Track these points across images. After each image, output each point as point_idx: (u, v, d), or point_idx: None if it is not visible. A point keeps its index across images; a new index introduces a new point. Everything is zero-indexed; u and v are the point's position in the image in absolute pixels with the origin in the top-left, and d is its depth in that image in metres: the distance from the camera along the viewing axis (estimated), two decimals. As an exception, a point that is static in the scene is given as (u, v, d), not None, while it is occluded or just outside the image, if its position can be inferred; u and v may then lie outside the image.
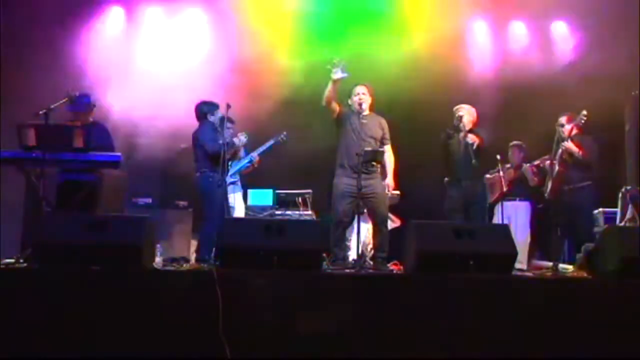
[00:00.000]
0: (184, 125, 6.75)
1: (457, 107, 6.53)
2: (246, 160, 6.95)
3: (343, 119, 5.92)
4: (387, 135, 6.05)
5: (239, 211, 6.97)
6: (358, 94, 5.96)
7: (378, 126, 6.00)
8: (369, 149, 5.77)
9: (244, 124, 6.95)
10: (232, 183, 6.96)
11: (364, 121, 5.88)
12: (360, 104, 5.94)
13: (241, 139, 6.48)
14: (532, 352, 3.84)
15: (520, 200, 7.08)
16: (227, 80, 7.26)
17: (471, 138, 6.26)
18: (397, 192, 7.02)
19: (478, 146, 6.25)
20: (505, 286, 4.05)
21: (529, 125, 7.24)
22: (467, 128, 6.36)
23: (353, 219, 5.78)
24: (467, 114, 6.44)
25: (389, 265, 5.69)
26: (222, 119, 6.10)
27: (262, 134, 7.22)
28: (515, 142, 7.28)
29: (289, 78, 7.48)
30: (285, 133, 7.18)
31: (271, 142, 7.13)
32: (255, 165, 7.00)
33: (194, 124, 6.42)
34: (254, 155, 6.97)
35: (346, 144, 5.88)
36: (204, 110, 6.35)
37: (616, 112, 7.45)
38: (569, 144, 6.29)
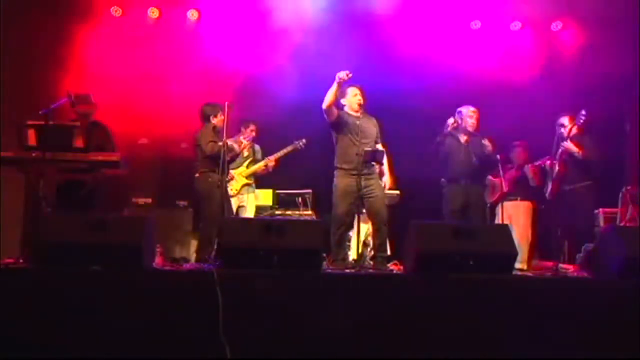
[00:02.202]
0: (185, 125, 6.76)
1: (465, 108, 6.55)
2: (262, 164, 7.06)
3: (341, 121, 5.94)
4: (380, 135, 6.11)
5: (250, 211, 7.05)
6: (356, 95, 6.02)
7: (373, 126, 6.05)
8: (369, 149, 5.83)
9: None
10: (247, 184, 7.14)
11: (360, 122, 5.92)
12: (359, 104, 5.99)
13: (244, 141, 6.55)
14: (532, 352, 3.84)
15: (521, 200, 7.09)
16: (227, 81, 7.26)
17: (487, 143, 6.36)
18: (397, 191, 7.04)
19: (489, 152, 6.37)
20: (505, 286, 4.05)
21: (529, 125, 7.25)
22: (472, 129, 6.44)
23: (354, 218, 5.82)
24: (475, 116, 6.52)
25: (389, 265, 5.71)
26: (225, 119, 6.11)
27: (264, 135, 7.24)
28: (518, 142, 7.29)
29: (289, 77, 7.48)
30: (304, 140, 7.25)
31: (290, 147, 7.24)
32: (270, 170, 7.10)
33: (197, 124, 6.45)
34: (271, 158, 7.12)
35: (345, 146, 5.91)
36: (207, 112, 6.38)
37: (616, 112, 7.45)
38: (569, 144, 6.30)
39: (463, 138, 6.49)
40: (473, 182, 6.43)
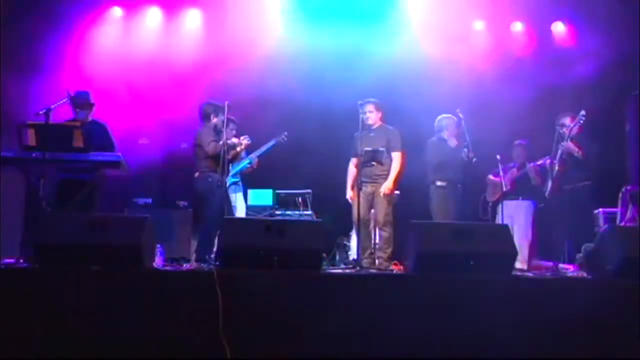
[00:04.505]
0: (183, 126, 6.76)
1: (447, 119, 6.76)
2: (246, 162, 6.98)
3: (356, 147, 6.29)
4: (395, 144, 6.37)
5: (240, 211, 7.00)
6: (365, 112, 6.30)
7: (383, 136, 6.34)
8: (369, 148, 6.11)
9: (244, 125, 6.97)
10: (234, 183, 7.01)
11: (372, 134, 6.27)
12: (368, 119, 6.32)
13: (243, 142, 6.51)
14: (532, 352, 3.84)
15: (523, 199, 7.09)
16: (228, 81, 7.26)
17: (470, 155, 6.55)
18: (397, 191, 7.05)
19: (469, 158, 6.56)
20: (505, 286, 4.05)
21: (529, 125, 7.25)
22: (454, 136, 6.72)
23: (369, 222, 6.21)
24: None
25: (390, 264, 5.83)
26: (224, 120, 6.11)
27: (263, 135, 7.22)
28: (519, 141, 7.28)
29: (289, 78, 7.48)
30: (285, 133, 7.19)
31: (272, 142, 7.15)
32: (255, 167, 7.03)
33: (194, 124, 6.44)
34: (253, 156, 7.00)
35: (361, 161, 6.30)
36: (208, 111, 6.33)
37: (616, 112, 7.45)
38: (569, 144, 6.28)
39: (453, 143, 6.68)
40: (465, 185, 6.66)
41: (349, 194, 6.40)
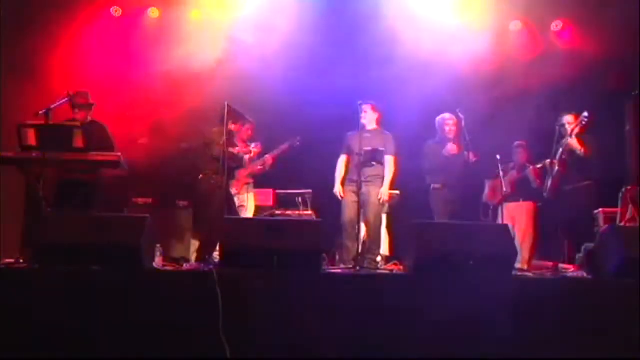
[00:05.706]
0: (187, 126, 6.76)
1: (440, 117, 6.85)
2: (259, 163, 7.04)
3: (350, 145, 6.38)
4: (389, 148, 6.39)
5: (249, 211, 7.05)
6: (362, 112, 6.35)
7: (380, 139, 6.39)
8: (369, 148, 6.14)
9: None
10: (246, 184, 7.11)
11: (367, 135, 6.30)
12: (364, 120, 6.36)
13: (253, 150, 6.56)
14: (532, 352, 3.84)
15: (524, 200, 7.09)
16: (229, 82, 7.24)
17: (467, 155, 6.56)
18: (397, 191, 7.07)
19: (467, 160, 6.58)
20: (505, 286, 4.05)
21: (529, 125, 7.25)
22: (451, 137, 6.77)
23: (358, 224, 6.08)
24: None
25: (379, 265, 5.87)
26: (225, 120, 6.09)
27: (265, 136, 7.23)
28: (519, 143, 7.28)
29: (288, 78, 7.47)
30: (299, 138, 7.21)
31: (285, 145, 7.17)
32: (267, 168, 7.07)
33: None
34: (268, 157, 7.04)
35: (351, 159, 6.38)
36: (221, 113, 6.30)
37: (616, 112, 7.44)
38: (573, 141, 6.25)
39: (454, 149, 6.70)
40: (456, 187, 6.63)
41: (338, 189, 6.44)
